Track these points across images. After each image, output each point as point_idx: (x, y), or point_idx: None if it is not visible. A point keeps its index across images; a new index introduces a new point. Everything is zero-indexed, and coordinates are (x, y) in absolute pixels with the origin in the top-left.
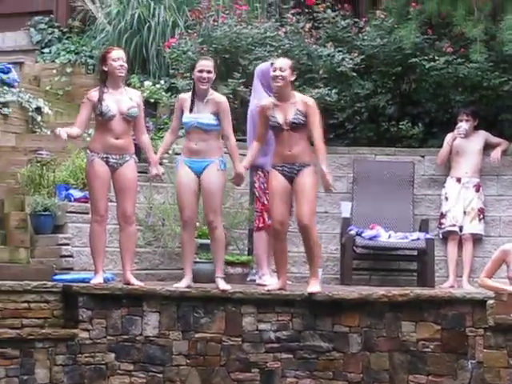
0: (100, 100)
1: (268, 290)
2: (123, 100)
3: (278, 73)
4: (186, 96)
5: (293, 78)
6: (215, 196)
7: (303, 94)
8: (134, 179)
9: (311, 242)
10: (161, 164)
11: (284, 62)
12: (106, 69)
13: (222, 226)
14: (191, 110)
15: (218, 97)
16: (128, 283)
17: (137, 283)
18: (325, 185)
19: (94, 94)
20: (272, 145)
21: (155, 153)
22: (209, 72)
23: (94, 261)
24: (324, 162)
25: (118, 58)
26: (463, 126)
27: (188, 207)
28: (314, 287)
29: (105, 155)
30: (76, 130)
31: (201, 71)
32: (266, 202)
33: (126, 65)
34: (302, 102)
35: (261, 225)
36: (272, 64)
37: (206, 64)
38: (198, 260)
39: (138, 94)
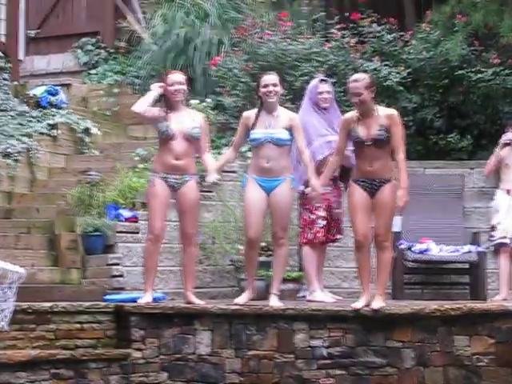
0: (166, 118)
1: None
2: (186, 121)
3: (355, 99)
4: (251, 113)
5: (370, 96)
6: (286, 214)
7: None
8: (194, 200)
9: (385, 257)
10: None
11: (356, 86)
12: (163, 92)
13: (288, 244)
14: (260, 126)
15: (290, 113)
16: (189, 303)
17: (198, 302)
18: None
19: (161, 110)
20: (298, 161)
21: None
22: (274, 85)
23: (145, 279)
24: (402, 176)
25: (173, 82)
26: (509, 134)
27: (255, 226)
28: (379, 303)
29: (164, 175)
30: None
31: (266, 86)
32: (306, 218)
33: (183, 87)
34: (386, 116)
35: (304, 240)
36: (321, 80)
37: (270, 78)
38: None
39: (201, 115)
